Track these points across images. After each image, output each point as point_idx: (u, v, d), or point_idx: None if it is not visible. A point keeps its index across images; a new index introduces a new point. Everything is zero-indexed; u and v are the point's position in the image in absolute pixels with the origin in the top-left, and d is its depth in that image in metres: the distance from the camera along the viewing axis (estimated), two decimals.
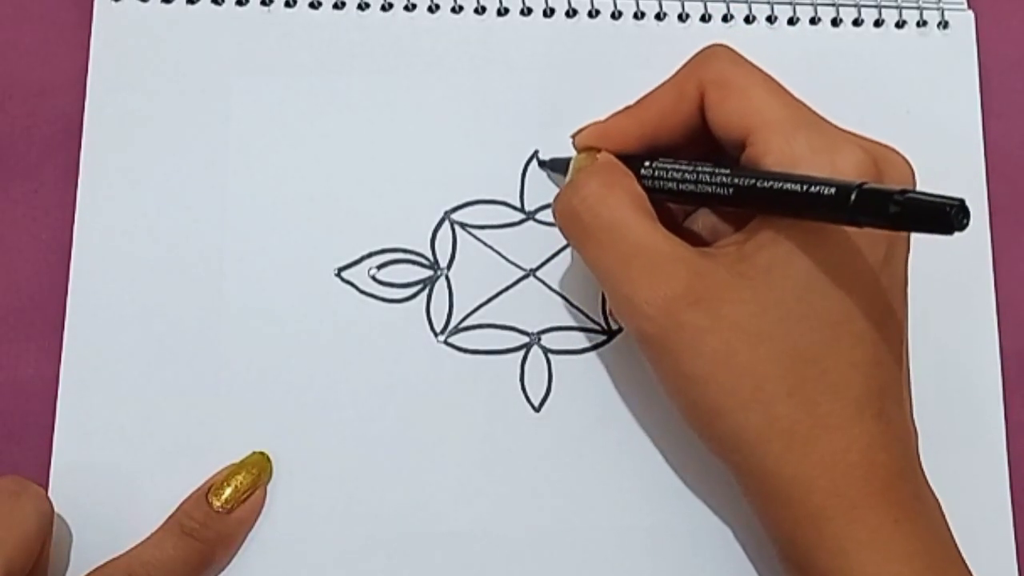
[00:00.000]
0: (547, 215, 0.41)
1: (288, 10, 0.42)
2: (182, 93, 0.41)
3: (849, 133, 0.33)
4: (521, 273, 0.40)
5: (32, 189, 0.41)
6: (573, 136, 0.38)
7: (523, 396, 0.39)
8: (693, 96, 0.35)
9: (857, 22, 0.43)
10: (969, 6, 0.43)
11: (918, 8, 0.43)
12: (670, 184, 0.34)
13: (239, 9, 0.42)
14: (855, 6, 0.43)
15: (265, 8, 0.42)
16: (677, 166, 0.34)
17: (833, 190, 0.29)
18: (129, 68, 0.41)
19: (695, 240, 0.35)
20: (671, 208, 0.37)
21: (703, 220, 0.36)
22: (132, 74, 0.41)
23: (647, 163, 0.35)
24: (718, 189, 0.33)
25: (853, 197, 0.28)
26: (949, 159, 0.42)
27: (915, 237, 0.41)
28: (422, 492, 0.38)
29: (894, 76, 0.42)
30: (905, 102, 0.42)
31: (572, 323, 0.40)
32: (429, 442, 0.39)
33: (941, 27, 0.43)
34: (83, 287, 0.39)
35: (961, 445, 0.40)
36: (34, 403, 0.39)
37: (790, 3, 0.43)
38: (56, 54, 0.42)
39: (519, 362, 0.39)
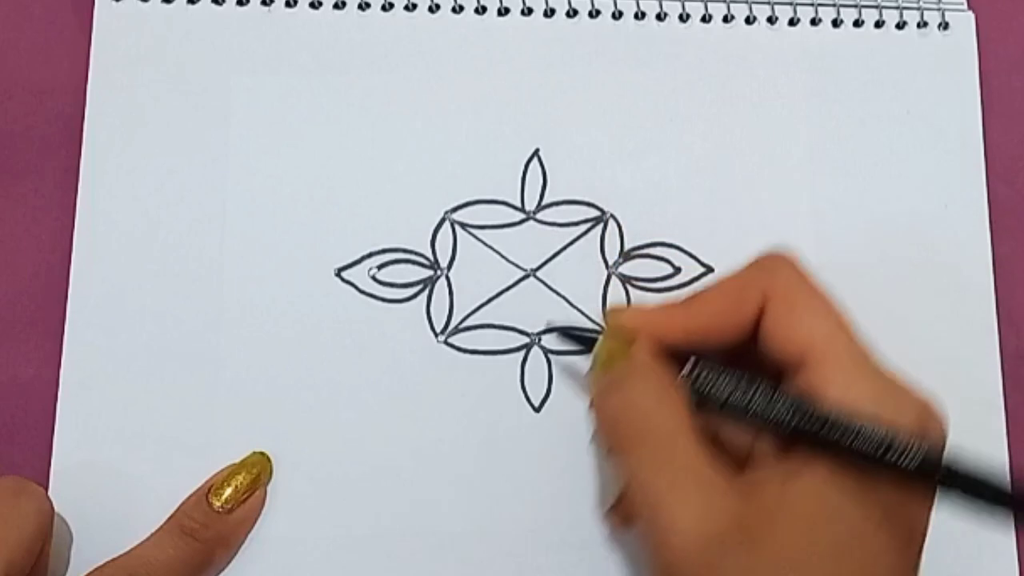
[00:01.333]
0: (547, 215, 0.41)
1: (288, 10, 0.42)
2: (182, 93, 0.41)
3: (899, 376, 0.32)
4: (521, 273, 0.40)
5: (32, 189, 0.41)
6: (608, 312, 0.35)
7: (523, 396, 0.39)
8: (754, 304, 0.32)
9: (858, 23, 0.43)
10: (969, 6, 0.43)
11: (918, 9, 0.43)
12: (717, 394, 0.31)
13: (239, 9, 0.42)
14: (856, 7, 0.43)
15: (265, 8, 0.42)
16: (729, 376, 0.31)
17: (916, 463, 0.28)
18: (129, 68, 0.41)
19: (724, 447, 0.33)
20: None
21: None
22: (132, 74, 0.41)
23: (693, 360, 0.32)
24: (777, 416, 0.30)
25: (939, 477, 0.28)
26: (949, 159, 0.42)
27: (914, 227, 0.41)
28: (422, 492, 0.38)
29: (894, 76, 0.42)
30: (905, 102, 0.42)
31: (572, 324, 0.40)
32: (429, 442, 0.39)
33: (941, 28, 0.43)
34: (83, 287, 0.39)
35: (961, 445, 0.39)
36: (34, 403, 0.39)
37: (791, 4, 0.43)
38: (56, 54, 0.42)
39: (519, 362, 0.39)
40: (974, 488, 0.27)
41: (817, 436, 0.29)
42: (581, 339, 0.37)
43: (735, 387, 0.31)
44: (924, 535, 0.31)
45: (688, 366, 0.32)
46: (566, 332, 0.38)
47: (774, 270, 0.33)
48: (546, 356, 0.39)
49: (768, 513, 0.29)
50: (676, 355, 0.32)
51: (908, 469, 0.28)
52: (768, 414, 0.30)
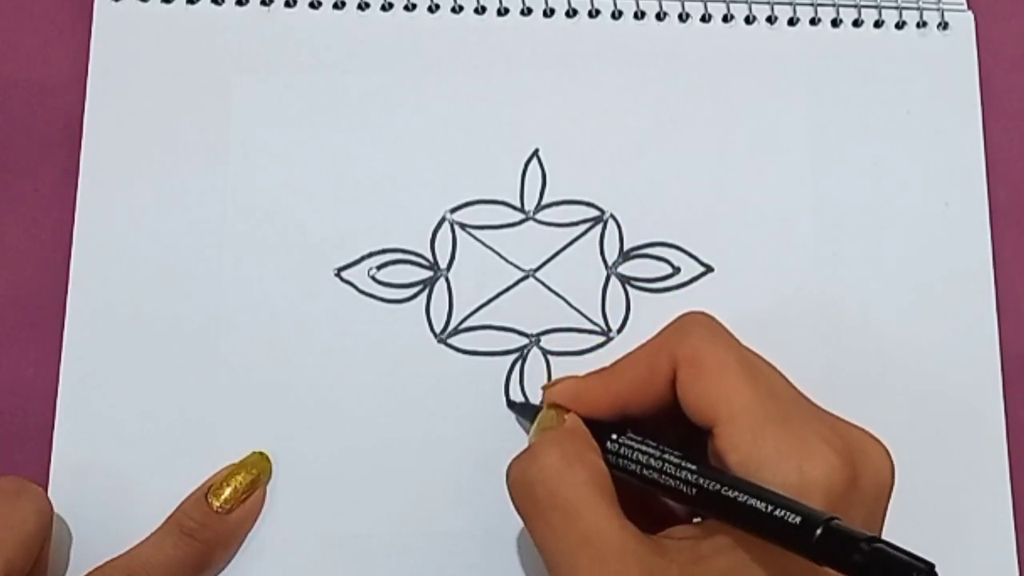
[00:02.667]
0: (547, 215, 0.41)
1: (288, 10, 0.42)
2: (182, 93, 0.41)
3: (827, 421, 0.32)
4: (521, 274, 0.40)
5: (32, 189, 0.41)
6: (544, 388, 0.37)
7: (522, 397, 0.39)
8: (665, 371, 0.33)
9: (857, 23, 0.43)
10: (969, 6, 0.43)
11: (918, 9, 0.43)
12: (633, 466, 0.32)
13: (239, 9, 0.42)
14: (855, 7, 0.43)
15: (265, 8, 0.42)
16: (644, 448, 0.32)
17: (798, 519, 0.27)
18: (129, 68, 0.41)
19: (651, 517, 0.33)
20: None
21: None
22: (132, 74, 0.41)
23: (614, 436, 0.33)
24: (681, 486, 0.31)
25: (818, 533, 0.27)
26: (949, 159, 0.42)
27: (916, 226, 0.41)
28: (421, 492, 0.38)
29: (894, 76, 0.42)
30: (905, 102, 0.42)
31: (571, 324, 0.40)
32: (428, 442, 0.39)
33: (941, 28, 0.43)
34: (83, 287, 0.39)
35: (961, 445, 0.40)
36: (34, 403, 0.39)
37: (790, 3, 0.43)
38: (56, 54, 0.42)
39: (519, 363, 0.39)
40: (843, 557, 0.26)
41: (716, 501, 0.30)
42: (529, 413, 0.37)
43: (648, 459, 0.32)
44: None
45: (610, 441, 0.33)
46: (512, 405, 0.39)
47: (683, 334, 0.33)
48: (545, 357, 0.39)
49: (680, 568, 0.29)
50: (610, 425, 0.34)
51: (792, 530, 0.27)
52: (673, 480, 0.31)
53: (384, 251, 0.40)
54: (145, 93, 0.41)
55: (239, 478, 0.37)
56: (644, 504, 0.34)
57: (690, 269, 0.40)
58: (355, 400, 0.39)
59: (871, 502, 0.30)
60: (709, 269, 0.40)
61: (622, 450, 0.33)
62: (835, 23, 0.43)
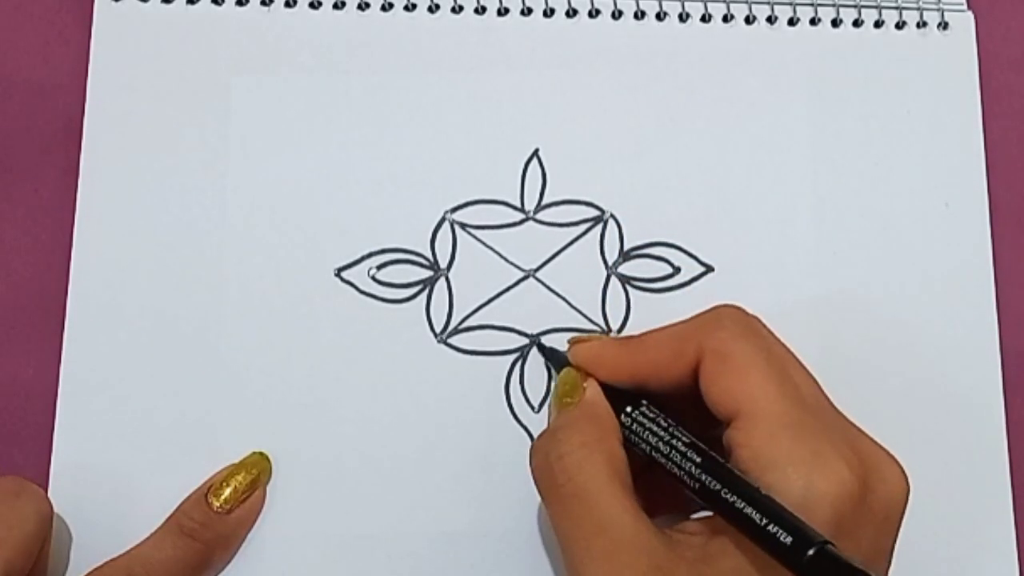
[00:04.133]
0: (547, 215, 0.41)
1: (288, 10, 0.42)
2: (182, 93, 0.41)
3: (848, 435, 0.31)
4: (521, 274, 0.40)
5: (32, 189, 0.41)
6: (570, 342, 0.37)
7: (522, 397, 0.39)
8: (691, 359, 0.33)
9: (857, 23, 0.43)
10: (969, 7, 0.43)
11: (918, 9, 0.43)
12: (643, 445, 0.33)
13: (239, 9, 0.42)
14: (855, 7, 0.43)
15: (265, 8, 0.42)
16: (655, 427, 0.33)
17: (789, 539, 0.27)
18: (129, 68, 0.41)
19: (663, 491, 0.33)
20: None
21: None
22: (132, 74, 0.41)
23: (628, 409, 0.33)
24: (684, 476, 0.31)
25: (809, 554, 0.26)
26: (949, 159, 0.42)
27: (916, 226, 0.41)
28: (421, 492, 0.38)
29: (894, 76, 0.42)
30: (905, 102, 0.42)
31: (572, 324, 0.40)
32: (428, 442, 0.39)
33: (941, 28, 0.43)
34: (83, 287, 0.39)
35: (961, 445, 0.40)
36: (34, 403, 0.39)
37: (790, 3, 0.43)
38: (56, 54, 0.42)
39: (519, 363, 0.39)
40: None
41: (716, 500, 0.30)
42: (555, 358, 0.38)
43: (658, 440, 0.32)
44: None
45: (624, 415, 0.33)
46: (541, 348, 0.39)
47: (715, 325, 0.33)
48: (545, 357, 0.40)
49: (689, 565, 0.30)
50: (628, 393, 0.34)
51: (784, 548, 0.27)
52: (678, 468, 0.31)
53: (384, 251, 0.40)
54: (145, 93, 0.41)
55: (239, 478, 0.37)
56: (656, 479, 0.34)
57: (690, 269, 0.40)
58: (355, 400, 0.39)
59: (880, 521, 0.30)
60: (709, 269, 0.40)
61: (635, 426, 0.33)
62: (835, 23, 0.43)
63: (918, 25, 0.43)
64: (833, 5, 0.43)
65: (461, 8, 0.42)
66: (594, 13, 0.42)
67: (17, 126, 0.41)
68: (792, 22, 0.43)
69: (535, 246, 0.40)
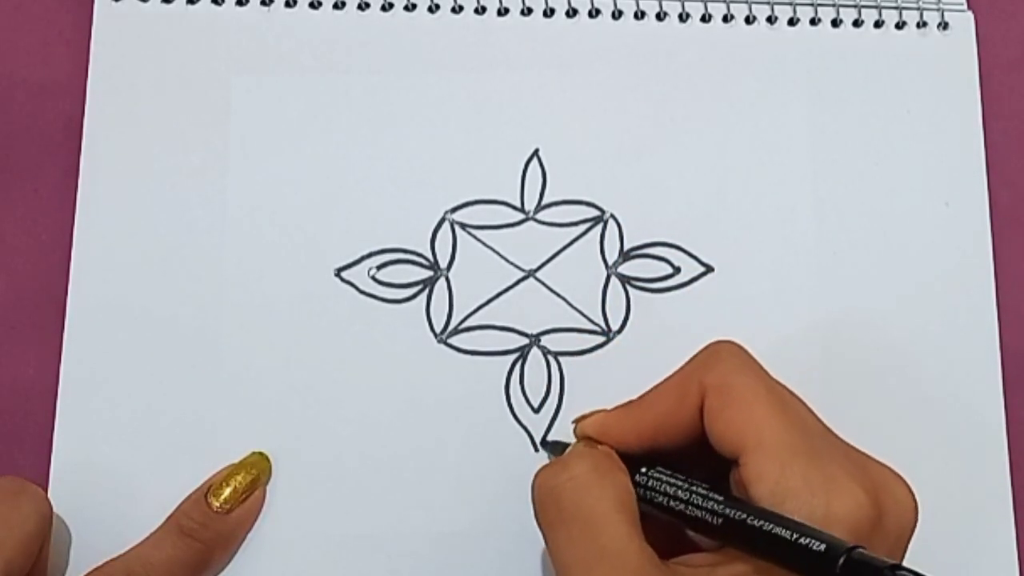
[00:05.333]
0: (547, 215, 0.41)
1: (288, 10, 0.42)
2: (182, 93, 0.41)
3: (854, 458, 0.31)
4: (521, 274, 0.40)
5: (32, 189, 0.41)
6: (575, 422, 0.36)
7: (522, 397, 0.39)
8: (694, 399, 0.32)
9: (857, 23, 0.43)
10: (969, 6, 0.43)
11: (918, 9, 0.43)
12: (660, 498, 0.32)
13: (239, 9, 0.42)
14: (855, 7, 0.43)
15: (265, 8, 0.42)
16: (672, 480, 0.32)
17: (823, 547, 0.27)
18: (129, 68, 0.41)
19: (671, 540, 0.33)
20: None
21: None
22: (132, 74, 0.41)
23: (643, 469, 0.33)
24: (707, 516, 0.31)
25: (841, 561, 0.27)
26: (949, 159, 0.42)
27: (916, 226, 0.41)
28: (421, 492, 0.38)
29: (894, 76, 0.42)
30: (905, 102, 0.42)
31: (572, 324, 0.40)
32: (428, 442, 0.39)
33: (941, 28, 0.43)
34: (83, 287, 0.39)
35: (961, 445, 0.40)
36: (34, 403, 0.39)
37: (790, 3, 0.43)
38: (56, 54, 0.42)
39: (519, 363, 0.39)
40: None
41: (742, 530, 0.29)
42: (559, 449, 0.37)
43: (676, 491, 0.32)
44: None
45: (639, 475, 0.33)
46: (545, 444, 0.39)
47: (713, 361, 0.33)
48: (545, 357, 0.39)
49: None
50: (640, 458, 0.34)
51: (816, 557, 0.27)
52: (701, 514, 0.31)
53: (384, 251, 0.40)
54: (145, 93, 0.41)
55: (239, 478, 0.37)
56: (667, 539, 0.33)
57: (690, 269, 0.40)
58: (355, 400, 0.39)
59: (893, 541, 0.30)
60: (709, 269, 0.40)
61: (650, 482, 0.33)
62: (835, 23, 0.43)
63: (918, 25, 0.43)
64: (833, 5, 0.43)
65: (461, 8, 0.42)
66: (594, 13, 0.42)
67: (17, 126, 0.41)
68: (792, 22, 0.43)
69: (535, 246, 0.40)
